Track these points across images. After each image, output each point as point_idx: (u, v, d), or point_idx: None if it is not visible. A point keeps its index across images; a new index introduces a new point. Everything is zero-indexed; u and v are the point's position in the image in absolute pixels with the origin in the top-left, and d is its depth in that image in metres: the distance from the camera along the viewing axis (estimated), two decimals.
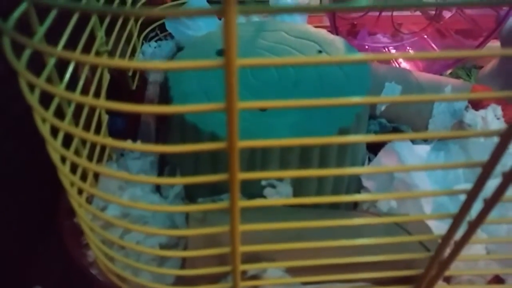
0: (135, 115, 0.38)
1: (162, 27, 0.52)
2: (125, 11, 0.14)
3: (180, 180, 0.16)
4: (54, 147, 0.18)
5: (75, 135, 0.17)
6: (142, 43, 0.50)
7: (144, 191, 0.28)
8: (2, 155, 0.32)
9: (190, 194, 0.30)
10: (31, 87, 0.17)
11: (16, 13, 0.18)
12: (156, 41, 0.53)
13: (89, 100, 0.14)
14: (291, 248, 0.20)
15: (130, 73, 0.42)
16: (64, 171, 0.20)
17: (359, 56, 0.21)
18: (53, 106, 0.22)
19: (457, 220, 0.19)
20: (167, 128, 0.32)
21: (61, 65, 0.23)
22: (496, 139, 0.15)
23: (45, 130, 0.19)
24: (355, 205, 0.33)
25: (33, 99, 0.17)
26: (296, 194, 0.27)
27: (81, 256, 0.25)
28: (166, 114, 0.33)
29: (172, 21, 0.52)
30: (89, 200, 0.27)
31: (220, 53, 0.31)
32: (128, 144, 0.15)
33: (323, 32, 0.34)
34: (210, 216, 0.24)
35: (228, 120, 0.14)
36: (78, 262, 0.24)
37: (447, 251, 0.21)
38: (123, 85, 0.42)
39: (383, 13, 0.54)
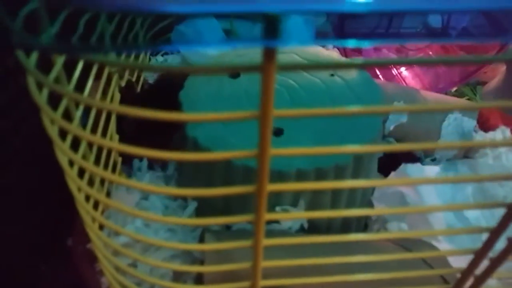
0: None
1: (169, 41, 0.52)
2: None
3: (208, 221, 0.16)
4: (72, 177, 0.18)
5: (87, 169, 0.17)
6: (149, 58, 0.50)
7: (158, 213, 0.28)
8: (10, 172, 0.32)
9: (201, 216, 0.30)
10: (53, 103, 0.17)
11: (24, 11, 0.17)
12: (162, 55, 0.53)
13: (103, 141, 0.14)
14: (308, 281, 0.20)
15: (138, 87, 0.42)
16: (80, 200, 0.20)
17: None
18: (68, 141, 0.21)
19: (478, 256, 0.19)
20: (174, 143, 0.32)
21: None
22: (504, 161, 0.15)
23: (64, 161, 0.19)
24: (365, 227, 0.33)
25: (53, 132, 0.17)
26: (310, 219, 0.27)
27: (95, 283, 0.24)
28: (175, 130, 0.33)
29: (178, 36, 0.52)
30: (101, 225, 0.27)
31: (233, 75, 0.31)
32: (153, 187, 0.15)
33: (335, 55, 0.34)
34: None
35: (259, 166, 0.14)
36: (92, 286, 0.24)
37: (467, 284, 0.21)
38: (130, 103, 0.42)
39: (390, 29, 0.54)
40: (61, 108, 0.19)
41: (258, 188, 0.14)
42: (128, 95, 0.39)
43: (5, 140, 0.31)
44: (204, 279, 0.22)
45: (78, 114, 0.22)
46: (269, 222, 0.28)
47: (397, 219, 0.32)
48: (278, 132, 0.27)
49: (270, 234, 0.18)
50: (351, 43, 0.12)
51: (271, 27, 0.10)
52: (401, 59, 0.42)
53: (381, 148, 0.15)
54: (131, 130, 0.31)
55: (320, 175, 0.25)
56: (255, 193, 0.15)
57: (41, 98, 0.16)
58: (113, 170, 0.31)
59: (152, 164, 0.34)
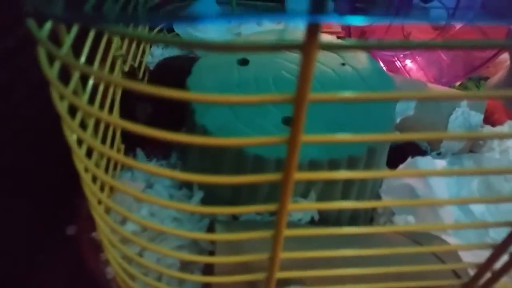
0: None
1: (170, 29, 0.51)
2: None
3: (225, 210, 0.15)
4: (79, 156, 0.18)
5: (95, 148, 0.16)
6: (151, 45, 0.49)
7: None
8: (7, 156, 0.31)
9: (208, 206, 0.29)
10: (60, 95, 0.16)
11: (49, 24, 0.17)
12: None
13: (116, 121, 0.13)
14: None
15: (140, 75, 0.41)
16: (86, 180, 0.19)
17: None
18: (77, 119, 0.21)
19: (498, 251, 0.19)
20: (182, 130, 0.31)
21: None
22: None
23: (72, 140, 0.18)
24: (371, 220, 0.33)
25: (62, 108, 0.16)
26: (320, 211, 0.26)
27: (100, 273, 0.24)
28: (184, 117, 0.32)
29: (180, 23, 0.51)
30: (107, 212, 0.26)
31: (242, 62, 0.31)
32: (156, 169, 0.14)
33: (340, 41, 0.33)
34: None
35: (289, 153, 0.13)
36: (98, 278, 0.23)
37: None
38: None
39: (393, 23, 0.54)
40: (72, 84, 0.18)
41: (285, 176, 0.14)
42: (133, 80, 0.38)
43: (4, 121, 0.30)
44: (215, 270, 0.22)
45: (87, 89, 0.21)
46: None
47: (404, 212, 0.32)
48: (289, 121, 0.27)
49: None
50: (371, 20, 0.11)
51: (318, 2, 0.09)
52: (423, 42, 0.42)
53: (408, 136, 0.14)
54: (142, 120, 0.31)
55: (333, 166, 0.25)
56: (281, 181, 0.14)
57: (52, 72, 0.15)
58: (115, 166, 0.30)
59: (153, 154, 0.33)
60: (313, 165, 0.24)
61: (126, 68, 0.35)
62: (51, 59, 0.16)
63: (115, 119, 0.14)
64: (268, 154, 0.24)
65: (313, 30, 0.10)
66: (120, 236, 0.24)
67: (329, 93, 0.12)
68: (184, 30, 0.50)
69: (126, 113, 0.30)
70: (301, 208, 0.15)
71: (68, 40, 0.19)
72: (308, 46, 0.10)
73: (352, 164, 0.25)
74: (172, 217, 0.27)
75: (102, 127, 0.25)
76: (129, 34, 0.12)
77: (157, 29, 0.49)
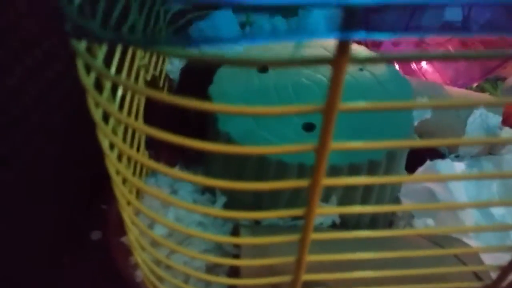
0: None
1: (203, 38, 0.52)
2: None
3: (253, 215, 0.16)
4: (111, 160, 0.19)
5: (125, 152, 0.17)
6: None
7: (187, 210, 0.28)
8: (32, 164, 0.32)
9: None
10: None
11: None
12: None
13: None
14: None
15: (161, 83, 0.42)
16: (118, 183, 0.20)
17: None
18: (110, 125, 0.22)
19: None
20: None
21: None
22: None
23: (105, 144, 0.19)
24: (390, 224, 0.33)
25: (97, 115, 0.17)
26: (341, 216, 0.27)
27: (129, 276, 0.25)
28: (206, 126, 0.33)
29: (196, 31, 0.52)
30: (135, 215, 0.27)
31: (262, 69, 0.31)
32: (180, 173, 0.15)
33: (362, 49, 0.34)
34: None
35: (318, 160, 0.14)
36: (127, 281, 0.24)
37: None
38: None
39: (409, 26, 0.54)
40: (105, 93, 0.19)
41: (313, 182, 0.14)
42: (155, 89, 0.39)
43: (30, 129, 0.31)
44: (241, 273, 0.22)
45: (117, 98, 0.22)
46: (300, 218, 0.28)
47: (424, 216, 0.32)
48: (309, 127, 0.27)
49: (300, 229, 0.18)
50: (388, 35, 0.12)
51: (350, 18, 0.10)
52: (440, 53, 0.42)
53: (435, 142, 0.15)
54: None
55: (353, 170, 0.25)
56: (308, 187, 0.15)
57: (88, 81, 0.16)
58: (141, 170, 0.31)
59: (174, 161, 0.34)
60: (334, 170, 0.25)
61: (149, 77, 0.37)
62: (88, 69, 0.17)
63: (141, 125, 0.14)
64: (290, 160, 0.25)
65: (344, 46, 0.11)
66: (149, 239, 0.25)
67: (358, 103, 0.12)
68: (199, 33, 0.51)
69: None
70: (328, 212, 0.16)
71: (101, 53, 0.20)
72: (338, 60, 0.11)
73: (372, 168, 0.26)
74: (197, 222, 0.28)
75: (129, 134, 0.26)
76: (181, 54, 0.13)
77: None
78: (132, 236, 0.22)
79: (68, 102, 0.36)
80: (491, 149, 0.39)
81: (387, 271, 0.21)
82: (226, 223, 0.29)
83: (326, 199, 0.26)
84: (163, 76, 0.44)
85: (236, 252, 0.26)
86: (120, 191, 0.20)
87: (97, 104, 0.18)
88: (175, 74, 0.46)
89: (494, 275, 0.25)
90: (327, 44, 0.34)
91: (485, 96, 0.41)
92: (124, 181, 0.23)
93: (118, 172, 0.20)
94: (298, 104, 0.13)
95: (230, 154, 0.14)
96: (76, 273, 0.38)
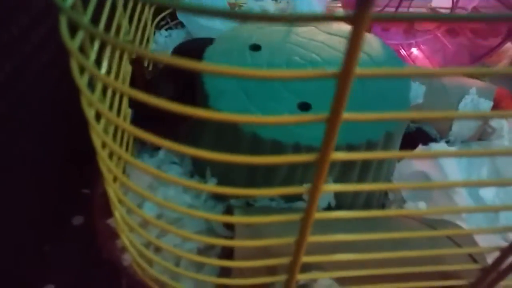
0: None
1: (173, 15, 0.50)
2: None
3: (258, 192, 0.15)
4: (97, 131, 0.17)
5: (114, 122, 0.16)
6: (154, 32, 0.48)
7: (177, 190, 0.27)
8: (12, 152, 0.30)
9: (222, 194, 0.29)
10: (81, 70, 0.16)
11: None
12: (166, 29, 0.51)
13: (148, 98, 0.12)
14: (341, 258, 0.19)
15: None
16: (104, 157, 0.19)
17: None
18: (97, 93, 0.20)
19: None
20: (192, 122, 0.31)
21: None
22: None
23: (90, 114, 0.17)
24: (382, 207, 0.33)
25: (82, 83, 0.16)
26: (337, 198, 0.26)
27: (115, 260, 0.23)
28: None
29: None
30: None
31: (254, 48, 0.30)
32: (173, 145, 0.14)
33: None
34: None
35: (327, 131, 0.13)
36: (113, 265, 0.23)
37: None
38: (138, 76, 0.40)
39: (399, 9, 0.53)
40: (92, 55, 0.18)
41: (322, 156, 0.13)
42: (139, 67, 0.37)
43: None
44: (236, 255, 0.22)
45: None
46: (294, 200, 0.27)
47: (416, 199, 0.32)
48: (305, 107, 0.26)
49: (295, 211, 0.17)
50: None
51: None
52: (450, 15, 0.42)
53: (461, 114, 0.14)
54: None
55: (351, 151, 0.25)
56: (316, 162, 0.14)
57: (82, 82, 0.15)
58: (126, 149, 0.29)
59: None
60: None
61: (134, 55, 0.35)
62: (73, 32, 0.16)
63: (126, 90, 0.13)
64: (286, 139, 0.24)
65: (366, 2, 0.10)
66: (136, 220, 0.24)
67: (374, 68, 0.11)
68: (187, 17, 0.49)
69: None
70: (335, 190, 0.15)
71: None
72: (360, 17, 0.10)
73: (370, 149, 0.25)
74: (186, 204, 0.27)
75: (115, 107, 0.25)
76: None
77: (160, 16, 0.49)
78: (119, 215, 0.21)
79: (47, 89, 0.34)
80: (481, 135, 0.39)
81: (383, 253, 0.20)
82: (217, 206, 0.28)
83: None
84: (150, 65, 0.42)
85: (229, 234, 0.25)
86: (106, 166, 0.19)
87: (82, 70, 0.16)
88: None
89: (489, 257, 0.25)
90: (319, 25, 0.33)
91: (476, 82, 0.40)
92: (111, 155, 0.22)
93: (104, 145, 0.19)
94: (314, 70, 0.12)
95: (220, 131, 0.13)
96: (59, 259, 0.36)
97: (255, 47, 0.30)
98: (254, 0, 0.52)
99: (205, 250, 0.25)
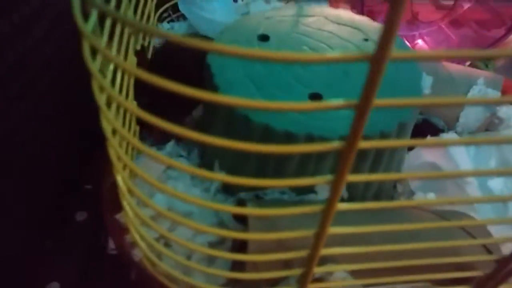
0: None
1: (175, 8, 0.50)
2: None
3: (282, 182, 0.14)
4: (108, 117, 0.17)
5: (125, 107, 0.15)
6: (157, 25, 0.47)
7: (186, 184, 0.27)
8: (12, 147, 0.30)
9: (230, 186, 0.28)
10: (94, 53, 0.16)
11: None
12: (168, 22, 0.50)
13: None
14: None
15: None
16: (114, 144, 0.18)
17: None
18: (108, 78, 0.20)
19: None
20: (204, 115, 0.30)
21: None
22: None
23: (101, 100, 0.17)
24: (391, 199, 0.32)
25: (94, 67, 0.15)
26: (348, 188, 0.26)
27: (125, 255, 0.23)
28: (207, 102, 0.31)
29: (185, 2, 0.49)
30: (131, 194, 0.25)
31: (262, 38, 0.30)
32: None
33: (365, 19, 0.32)
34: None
35: (357, 118, 0.12)
36: (123, 260, 0.23)
37: None
38: (142, 67, 0.39)
39: None
40: (107, 78, 0.18)
41: (350, 144, 0.13)
42: (143, 59, 0.37)
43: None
44: (249, 248, 0.21)
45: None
46: (306, 193, 0.26)
47: (425, 190, 0.31)
48: (316, 98, 0.26)
49: (308, 204, 0.17)
50: None
51: None
52: None
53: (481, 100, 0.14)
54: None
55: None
56: (342, 150, 0.13)
57: (94, 66, 0.15)
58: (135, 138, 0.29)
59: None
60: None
61: (138, 46, 0.34)
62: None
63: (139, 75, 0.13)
64: (298, 130, 0.23)
65: None
66: (146, 213, 0.24)
67: (410, 51, 0.11)
68: (189, 10, 0.49)
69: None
70: (360, 180, 0.14)
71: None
72: None
73: (383, 140, 0.24)
74: (196, 197, 0.26)
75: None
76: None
77: (162, 8, 0.48)
78: (128, 207, 0.21)
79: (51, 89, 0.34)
80: (489, 126, 0.38)
81: (400, 245, 0.20)
82: (227, 200, 0.27)
83: (334, 171, 0.25)
84: (150, 48, 0.41)
85: (240, 228, 0.25)
86: (116, 153, 0.18)
87: (94, 55, 0.16)
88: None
89: (504, 248, 0.24)
90: (327, 13, 0.32)
91: (484, 72, 0.40)
92: (120, 144, 0.21)
93: (114, 132, 0.19)
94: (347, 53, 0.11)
95: (230, 125, 0.12)
96: (63, 256, 0.36)
97: (264, 37, 0.30)
98: None
99: (216, 245, 0.25)
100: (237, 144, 0.13)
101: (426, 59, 0.11)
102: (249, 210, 0.18)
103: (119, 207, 0.23)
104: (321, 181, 0.14)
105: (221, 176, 0.15)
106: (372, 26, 0.31)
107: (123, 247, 0.23)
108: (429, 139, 0.32)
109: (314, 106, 0.12)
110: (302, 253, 0.18)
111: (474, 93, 0.37)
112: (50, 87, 0.34)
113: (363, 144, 0.13)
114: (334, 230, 0.17)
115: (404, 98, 0.12)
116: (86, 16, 0.16)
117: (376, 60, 0.11)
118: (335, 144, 0.13)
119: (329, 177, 0.14)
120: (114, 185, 0.22)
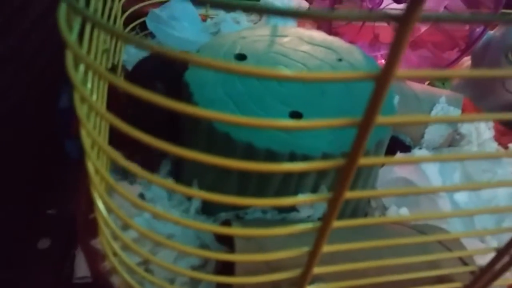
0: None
1: (143, 26, 0.49)
2: None
3: (281, 202, 0.14)
4: (88, 129, 0.16)
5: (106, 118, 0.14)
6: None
7: (164, 205, 0.26)
8: None
9: (209, 207, 0.28)
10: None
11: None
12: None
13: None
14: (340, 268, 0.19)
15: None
16: (92, 157, 0.17)
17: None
18: (88, 86, 0.19)
19: None
20: (181, 130, 0.30)
21: None
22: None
23: (82, 111, 0.16)
24: (365, 215, 0.33)
25: (77, 77, 0.14)
26: None
27: (103, 283, 0.22)
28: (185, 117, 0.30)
29: (154, 20, 0.48)
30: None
31: (239, 57, 0.30)
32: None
33: (337, 40, 0.33)
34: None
35: (359, 135, 0.12)
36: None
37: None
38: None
39: (366, 23, 0.55)
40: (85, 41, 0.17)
41: (351, 161, 0.13)
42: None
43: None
44: (237, 270, 0.21)
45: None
46: (288, 211, 0.26)
47: (397, 205, 0.32)
48: (296, 117, 0.26)
49: (291, 223, 0.17)
50: None
51: None
52: None
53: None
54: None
55: None
56: (343, 167, 0.13)
57: (76, 76, 0.14)
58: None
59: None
60: (326, 159, 0.24)
61: (109, 65, 0.33)
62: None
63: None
64: (281, 148, 0.23)
65: (416, 3, 0.09)
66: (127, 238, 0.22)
67: (415, 70, 0.11)
68: (158, 28, 0.48)
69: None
70: (360, 196, 0.15)
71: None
72: (408, 17, 0.10)
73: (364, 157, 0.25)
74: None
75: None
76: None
77: (130, 26, 0.47)
78: (107, 231, 0.20)
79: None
80: (452, 142, 0.40)
81: (387, 261, 0.20)
82: (207, 221, 0.27)
83: (314, 189, 0.25)
84: (119, 66, 0.40)
85: (223, 250, 0.24)
86: (94, 167, 0.17)
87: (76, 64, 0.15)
88: (130, 64, 0.43)
89: (479, 259, 0.25)
90: (301, 33, 0.33)
91: (445, 91, 0.42)
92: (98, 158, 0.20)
93: (93, 146, 0.18)
94: (354, 72, 0.11)
95: (210, 143, 0.12)
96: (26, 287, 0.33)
97: (241, 57, 0.30)
98: (226, 12, 0.52)
99: (199, 268, 0.24)
100: (220, 161, 0.13)
101: (426, 77, 0.11)
102: (238, 231, 0.17)
103: (94, 233, 0.22)
104: (319, 199, 0.14)
105: (204, 194, 0.15)
106: (344, 47, 0.32)
107: (99, 275, 0.22)
108: (413, 155, 0.33)
109: (314, 125, 0.12)
110: (294, 273, 0.18)
111: (437, 111, 0.39)
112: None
113: (364, 161, 0.13)
114: (327, 248, 0.17)
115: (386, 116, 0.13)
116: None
117: (382, 78, 0.11)
118: (336, 162, 0.13)
119: (328, 194, 0.14)
120: (88, 209, 0.21)
